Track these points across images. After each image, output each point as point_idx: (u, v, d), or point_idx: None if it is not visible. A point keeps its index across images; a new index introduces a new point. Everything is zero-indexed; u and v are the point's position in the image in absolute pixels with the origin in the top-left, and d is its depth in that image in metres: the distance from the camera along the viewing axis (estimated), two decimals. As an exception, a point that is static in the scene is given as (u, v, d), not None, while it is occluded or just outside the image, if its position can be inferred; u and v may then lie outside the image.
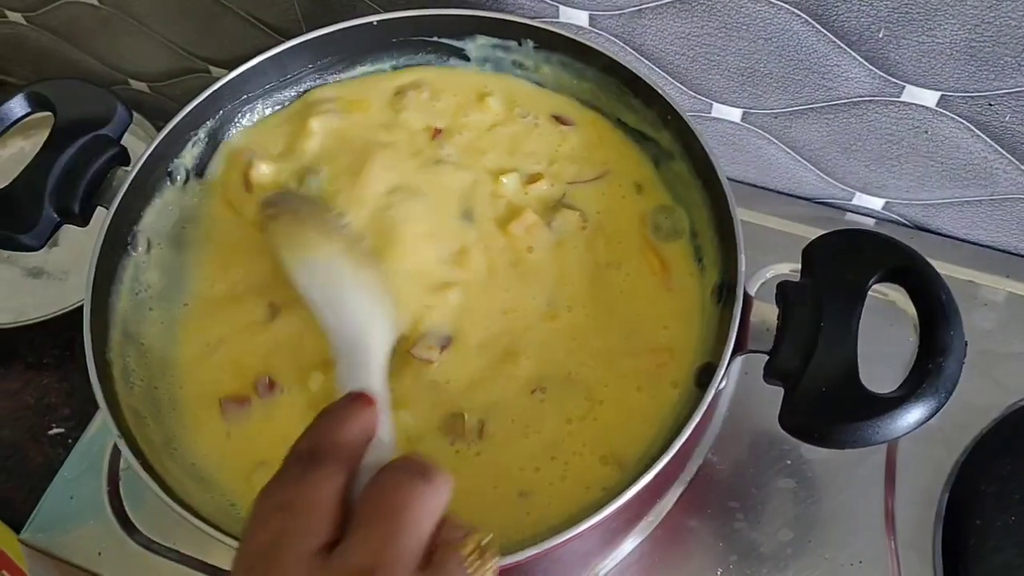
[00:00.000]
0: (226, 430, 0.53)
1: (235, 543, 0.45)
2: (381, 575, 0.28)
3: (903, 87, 0.59)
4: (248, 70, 0.60)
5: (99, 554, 0.60)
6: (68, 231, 0.86)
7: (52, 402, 0.81)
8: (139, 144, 0.76)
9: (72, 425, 0.79)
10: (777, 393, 0.49)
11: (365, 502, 0.31)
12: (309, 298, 0.46)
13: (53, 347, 0.83)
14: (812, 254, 0.51)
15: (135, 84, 0.94)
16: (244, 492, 0.51)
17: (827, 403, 0.46)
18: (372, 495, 0.31)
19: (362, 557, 0.29)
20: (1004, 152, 0.61)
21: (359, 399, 0.37)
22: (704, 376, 0.51)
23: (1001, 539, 0.57)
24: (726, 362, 0.48)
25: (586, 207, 0.59)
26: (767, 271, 0.68)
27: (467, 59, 0.64)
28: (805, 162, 0.69)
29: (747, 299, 0.50)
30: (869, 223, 0.71)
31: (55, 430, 0.79)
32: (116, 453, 0.64)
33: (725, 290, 0.53)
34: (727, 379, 0.63)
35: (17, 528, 0.62)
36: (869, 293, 0.49)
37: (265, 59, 0.60)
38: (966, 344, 0.47)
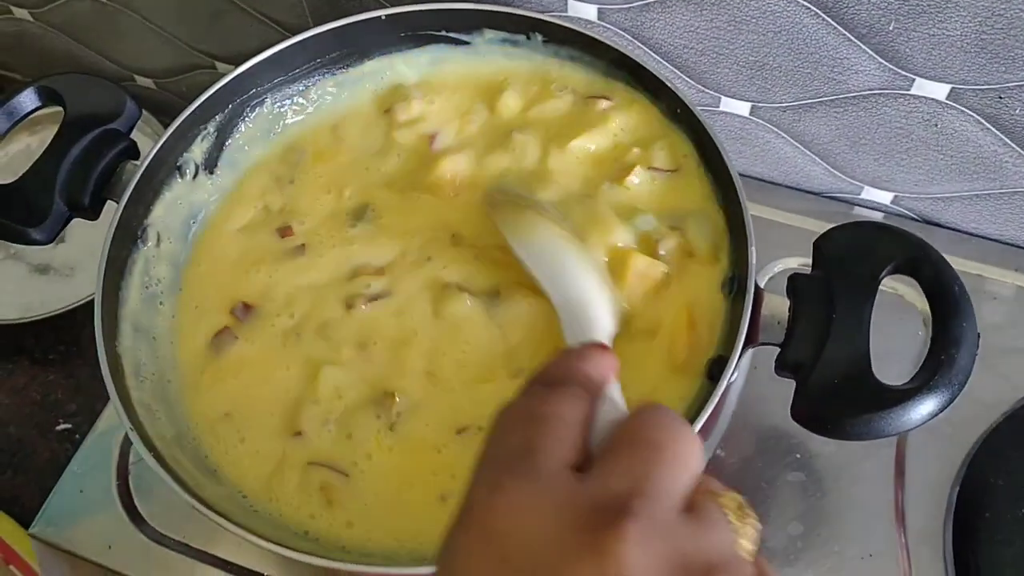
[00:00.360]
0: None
1: (247, 535, 0.45)
2: (640, 503, 0.26)
3: (913, 80, 0.59)
4: (257, 64, 0.60)
5: (109, 547, 0.60)
6: (74, 227, 0.86)
7: (58, 398, 0.81)
8: (146, 141, 0.77)
9: (79, 421, 0.79)
10: (786, 388, 0.48)
11: (624, 432, 0.29)
12: (534, 275, 0.49)
13: (59, 343, 0.83)
14: (823, 247, 0.51)
15: (141, 80, 0.94)
16: (255, 488, 0.51)
17: (840, 395, 0.46)
18: (639, 424, 0.29)
19: (622, 479, 0.26)
20: (1014, 145, 0.61)
21: (598, 345, 0.37)
22: (716, 368, 0.51)
23: (1011, 532, 0.57)
24: (738, 354, 0.48)
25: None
26: (775, 265, 0.68)
27: (477, 53, 0.64)
28: (814, 156, 0.69)
29: (758, 292, 0.50)
30: (877, 217, 0.71)
31: (62, 426, 0.80)
32: (125, 447, 0.64)
33: (736, 283, 0.53)
34: (737, 373, 0.64)
35: (26, 524, 0.62)
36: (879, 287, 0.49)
37: (274, 53, 0.60)
38: (979, 336, 0.47)
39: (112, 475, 0.62)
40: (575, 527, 0.25)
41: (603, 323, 0.44)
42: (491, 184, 0.58)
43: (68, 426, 0.79)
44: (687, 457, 0.28)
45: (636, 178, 0.57)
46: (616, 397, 0.35)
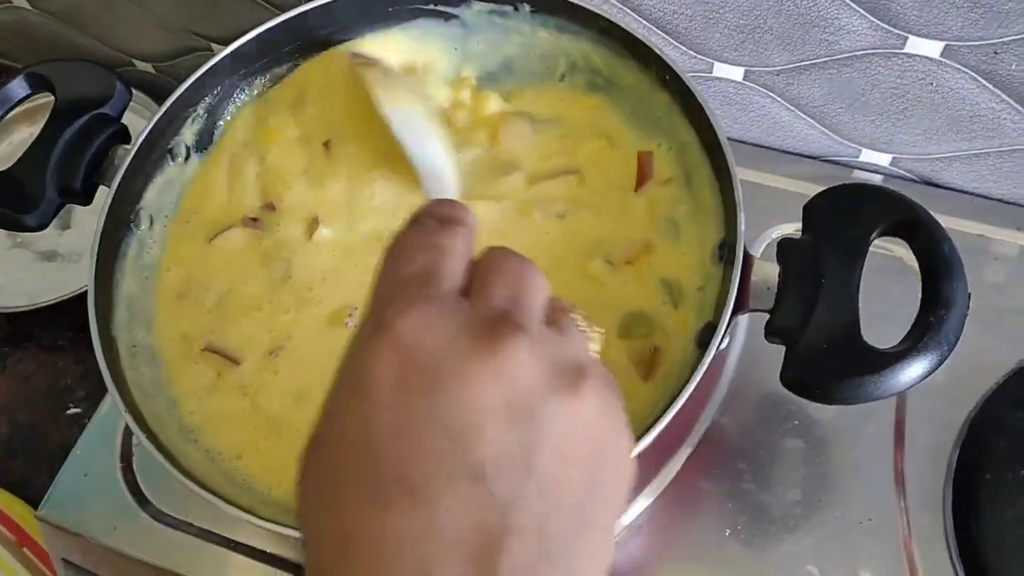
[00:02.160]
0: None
1: (245, 515, 0.46)
2: (522, 317, 0.30)
3: (906, 38, 0.58)
4: (243, 45, 0.60)
5: (114, 528, 0.61)
6: (79, 214, 0.87)
7: (68, 384, 0.82)
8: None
9: (88, 406, 0.80)
10: (783, 355, 0.48)
11: (491, 263, 0.33)
12: (401, 138, 0.55)
13: (67, 329, 0.84)
14: (813, 211, 0.50)
15: (140, 65, 0.94)
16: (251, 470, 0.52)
17: (828, 359, 0.46)
18: (497, 259, 0.33)
19: (501, 300, 0.31)
20: (1011, 102, 0.60)
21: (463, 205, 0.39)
22: (705, 335, 0.51)
23: (1011, 494, 0.56)
24: (726, 321, 0.48)
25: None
26: (773, 231, 0.67)
27: (466, 26, 0.64)
28: (810, 119, 0.68)
29: (748, 258, 0.50)
30: (877, 179, 0.70)
31: (72, 411, 0.81)
32: (129, 430, 0.64)
33: (726, 250, 0.52)
34: (732, 339, 0.63)
35: (37, 507, 0.63)
36: (876, 250, 0.49)
37: (260, 33, 0.60)
38: (970, 296, 0.46)
39: (116, 457, 0.63)
40: (473, 337, 0.29)
41: (455, 190, 0.55)
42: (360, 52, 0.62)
43: (77, 411, 0.81)
44: (541, 280, 0.33)
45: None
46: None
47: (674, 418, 0.46)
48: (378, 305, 0.31)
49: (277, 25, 0.61)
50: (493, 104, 0.62)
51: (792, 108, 0.68)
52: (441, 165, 0.55)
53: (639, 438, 0.46)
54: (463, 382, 0.28)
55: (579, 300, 0.52)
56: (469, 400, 0.28)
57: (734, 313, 0.48)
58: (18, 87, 0.60)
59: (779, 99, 0.67)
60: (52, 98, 0.59)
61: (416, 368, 0.29)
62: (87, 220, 0.86)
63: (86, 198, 0.58)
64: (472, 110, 0.62)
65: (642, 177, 0.59)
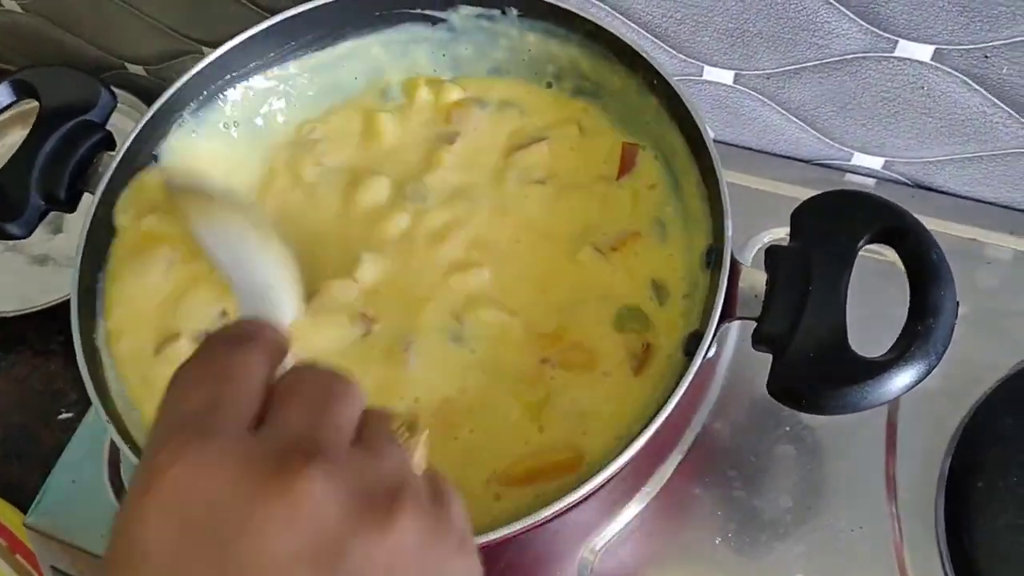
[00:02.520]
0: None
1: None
2: (319, 443, 0.26)
3: (896, 42, 0.58)
4: (230, 50, 0.60)
5: (102, 536, 0.61)
6: (71, 218, 0.87)
7: (60, 388, 0.82)
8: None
9: (80, 410, 0.80)
10: (767, 359, 0.48)
11: (290, 384, 0.29)
12: (216, 260, 0.48)
13: (59, 333, 0.84)
14: (801, 217, 0.50)
15: (132, 68, 0.94)
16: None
17: (815, 368, 0.45)
18: (297, 377, 0.30)
19: (297, 425, 0.27)
20: (1003, 105, 0.59)
21: (271, 323, 0.35)
22: (692, 343, 0.50)
23: (1004, 501, 0.56)
24: (713, 329, 0.48)
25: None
26: (765, 236, 0.66)
27: (453, 30, 0.63)
28: (801, 123, 0.67)
29: (735, 265, 0.49)
30: (869, 183, 0.70)
31: (64, 415, 0.80)
32: (116, 438, 0.64)
33: (714, 256, 0.52)
34: (723, 345, 0.63)
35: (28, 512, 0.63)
36: (867, 253, 0.48)
37: (246, 39, 0.60)
38: (958, 304, 0.46)
39: (104, 464, 0.63)
40: (258, 478, 0.25)
41: (286, 307, 0.46)
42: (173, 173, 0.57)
43: (70, 415, 0.80)
44: (350, 395, 0.29)
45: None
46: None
47: (664, 423, 0.46)
48: (147, 454, 0.27)
49: (266, 29, 0.60)
50: (455, 95, 0.63)
51: (783, 111, 0.67)
52: (262, 283, 0.47)
53: (631, 442, 0.45)
54: (253, 533, 0.24)
55: (569, 287, 0.54)
56: (263, 553, 0.24)
57: (721, 321, 0.48)
58: (2, 94, 0.59)
59: (770, 102, 0.67)
60: (34, 100, 0.59)
61: (194, 525, 0.24)
62: (79, 224, 0.86)
63: (71, 205, 0.58)
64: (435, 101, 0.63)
65: (625, 166, 0.58)
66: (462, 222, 0.57)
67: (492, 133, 0.61)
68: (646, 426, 0.46)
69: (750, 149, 0.72)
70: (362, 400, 0.30)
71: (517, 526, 0.44)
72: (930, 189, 0.69)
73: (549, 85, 0.62)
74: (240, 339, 0.30)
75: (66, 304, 0.78)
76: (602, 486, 0.46)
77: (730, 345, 0.63)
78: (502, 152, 0.60)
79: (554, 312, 0.54)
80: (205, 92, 0.61)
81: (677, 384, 0.47)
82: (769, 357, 0.48)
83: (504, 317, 0.54)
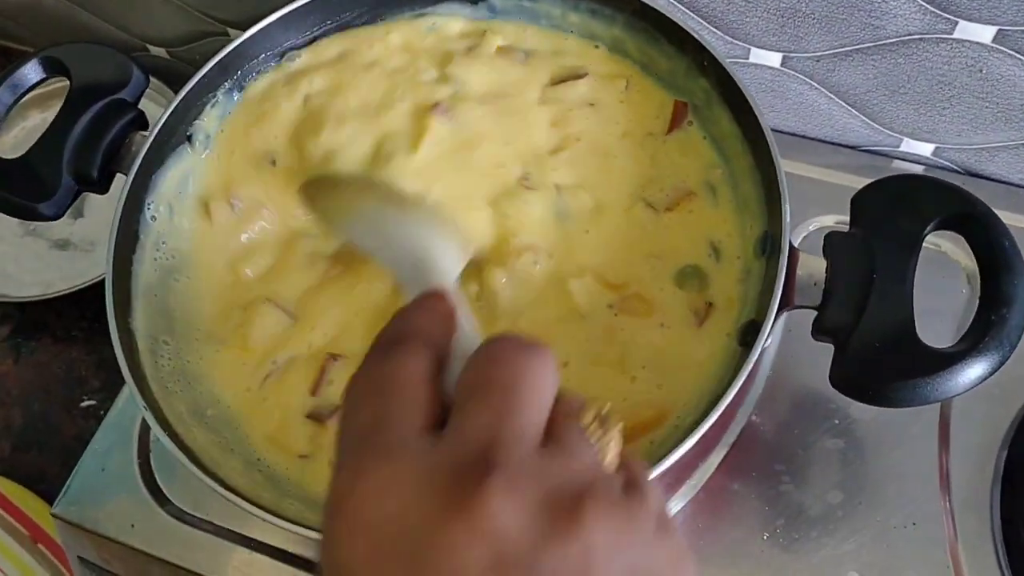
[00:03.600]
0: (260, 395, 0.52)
1: (264, 514, 0.44)
2: (499, 452, 0.25)
3: (956, 23, 0.56)
4: (262, 30, 0.58)
5: (132, 526, 0.59)
6: (92, 201, 0.85)
7: (82, 375, 0.80)
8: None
9: (103, 397, 0.79)
10: (824, 351, 0.46)
11: (470, 378, 0.28)
12: (365, 249, 0.46)
13: (81, 319, 0.83)
14: (862, 202, 0.48)
15: (154, 50, 0.92)
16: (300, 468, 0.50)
17: (882, 359, 0.44)
18: (478, 369, 0.28)
19: (477, 432, 0.26)
20: (1065, 90, 0.57)
21: (431, 294, 0.34)
22: (748, 334, 0.48)
23: (1063, 498, 0.54)
24: (772, 318, 0.46)
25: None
26: (810, 224, 0.65)
27: (493, 10, 0.61)
28: (849, 108, 0.66)
29: (792, 252, 0.48)
30: (918, 170, 0.68)
31: (86, 402, 0.79)
32: (146, 424, 0.62)
33: (769, 243, 0.50)
34: (771, 337, 0.61)
35: (52, 501, 0.62)
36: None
37: (280, 16, 0.58)
38: (1032, 293, 0.44)
39: (134, 453, 0.62)
40: (439, 494, 0.25)
41: (445, 262, 0.40)
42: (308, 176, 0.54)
43: (92, 402, 0.79)
44: (539, 390, 0.28)
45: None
46: (468, 328, 0.34)
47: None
48: (334, 473, 0.27)
49: (299, 8, 0.59)
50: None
51: (831, 96, 0.65)
52: (412, 251, 0.42)
53: (682, 441, 0.44)
54: (441, 549, 0.24)
55: (626, 245, 0.53)
56: (453, 570, 0.24)
57: (779, 310, 0.46)
58: (32, 71, 0.58)
59: (818, 86, 0.65)
60: (64, 83, 0.57)
61: (384, 546, 0.24)
62: (101, 208, 0.84)
63: (103, 186, 0.56)
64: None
65: (676, 121, 0.57)
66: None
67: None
68: (703, 417, 0.44)
69: (794, 135, 0.70)
70: (555, 381, 0.28)
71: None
72: (981, 176, 0.67)
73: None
74: (396, 340, 0.29)
75: (87, 289, 0.79)
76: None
77: (775, 337, 0.62)
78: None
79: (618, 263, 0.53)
80: (240, 71, 0.59)
81: (735, 376, 0.45)
82: (817, 349, 0.47)
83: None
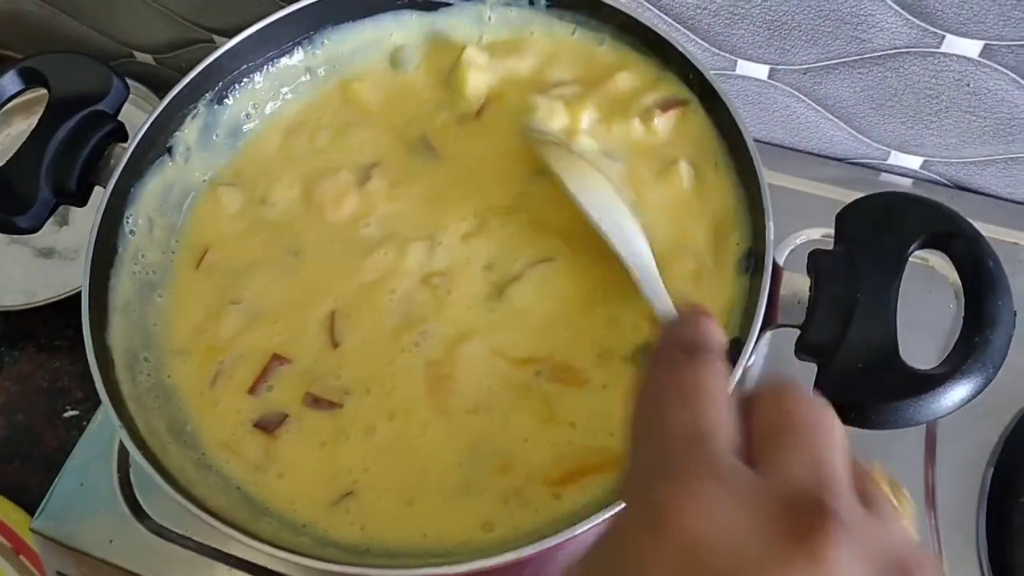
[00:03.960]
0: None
1: (238, 534, 0.43)
2: (832, 498, 0.24)
3: (943, 37, 0.55)
4: (245, 40, 0.57)
5: (111, 542, 0.59)
6: (77, 210, 0.85)
7: (65, 385, 0.80)
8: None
9: (87, 408, 0.78)
10: (809, 369, 0.46)
11: (772, 416, 0.27)
12: (601, 227, 0.49)
13: (66, 328, 0.82)
14: (847, 220, 0.48)
15: (140, 57, 0.91)
16: (253, 480, 0.49)
17: (865, 380, 0.43)
18: (779, 408, 0.27)
19: (804, 473, 0.25)
20: (1052, 105, 0.57)
21: (704, 311, 0.32)
22: (731, 352, 0.48)
23: (1050, 517, 0.54)
24: (755, 338, 0.45)
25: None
26: (797, 237, 0.65)
27: (480, 20, 0.61)
28: (837, 120, 0.65)
29: (776, 269, 0.47)
30: (906, 183, 0.68)
31: (69, 412, 0.78)
32: (126, 439, 0.62)
33: (752, 259, 0.50)
34: (755, 356, 0.61)
35: (34, 512, 0.61)
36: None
37: (262, 27, 0.57)
38: (1015, 315, 0.44)
39: (113, 467, 0.61)
40: (776, 531, 0.23)
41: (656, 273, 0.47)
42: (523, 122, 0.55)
43: (76, 413, 0.78)
44: (838, 440, 0.26)
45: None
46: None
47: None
48: (642, 478, 0.26)
49: (285, 16, 0.58)
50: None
51: (819, 108, 0.65)
52: (644, 255, 0.48)
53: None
54: None
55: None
56: None
57: (763, 329, 0.46)
58: (10, 82, 0.57)
59: (805, 99, 0.64)
60: (43, 89, 0.56)
61: (710, 564, 0.23)
62: (86, 217, 0.82)
63: (81, 199, 0.55)
64: None
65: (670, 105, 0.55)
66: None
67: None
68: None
69: (782, 146, 0.70)
70: (847, 447, 0.27)
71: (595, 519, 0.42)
72: (969, 190, 0.66)
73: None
74: (698, 347, 0.28)
75: (72, 299, 0.78)
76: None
77: (759, 355, 0.61)
78: None
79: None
80: (221, 83, 0.58)
81: (717, 394, 0.45)
82: (801, 368, 0.46)
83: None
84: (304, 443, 0.49)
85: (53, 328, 0.82)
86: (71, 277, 0.81)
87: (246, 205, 0.58)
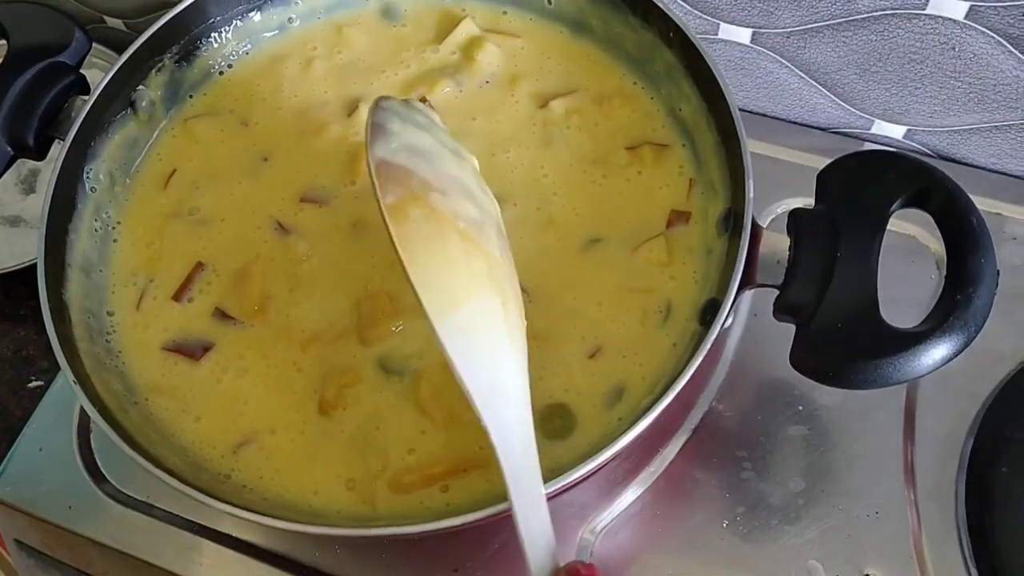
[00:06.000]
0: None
1: (196, 493, 0.42)
2: None
3: (929, -2, 0.54)
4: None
5: (69, 508, 0.57)
6: (45, 177, 0.82)
7: (30, 354, 0.78)
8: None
9: (51, 378, 0.75)
10: (788, 336, 0.45)
11: None
12: (458, 370, 0.37)
13: (30, 298, 0.79)
14: (828, 179, 0.47)
15: (111, 22, 0.89)
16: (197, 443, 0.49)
17: (844, 339, 0.42)
18: None
19: None
20: (1038, 70, 0.56)
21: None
22: (708, 312, 0.47)
23: (1029, 487, 0.53)
24: (732, 296, 0.44)
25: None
26: (778, 206, 0.63)
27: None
28: (820, 87, 0.64)
29: (756, 228, 0.46)
30: (889, 153, 0.67)
31: (34, 383, 0.76)
32: (86, 403, 0.60)
33: (732, 219, 0.48)
34: (734, 320, 0.60)
35: (-5, 483, 0.59)
36: (888, 227, 0.45)
37: (233, -22, 0.56)
38: (998, 273, 0.43)
39: (73, 433, 0.59)
40: None
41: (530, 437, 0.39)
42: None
43: (40, 383, 0.76)
44: None
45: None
46: None
47: (670, 403, 0.42)
48: None
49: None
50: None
51: (802, 74, 0.63)
52: (527, 425, 0.39)
53: (638, 419, 0.42)
54: None
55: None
56: None
57: (741, 288, 0.45)
58: (-33, 33, 0.55)
59: (788, 64, 0.63)
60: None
61: None
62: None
63: (39, 152, 0.54)
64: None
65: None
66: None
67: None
68: (661, 395, 0.42)
69: (764, 115, 0.68)
70: None
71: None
72: (953, 160, 0.65)
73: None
74: None
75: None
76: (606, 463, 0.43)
77: (740, 321, 0.60)
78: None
79: None
80: (187, 37, 0.57)
81: (694, 354, 0.43)
82: (782, 334, 0.45)
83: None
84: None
85: (17, 297, 0.80)
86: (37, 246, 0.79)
87: (223, 129, 0.57)
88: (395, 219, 0.37)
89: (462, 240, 0.38)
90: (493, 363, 0.38)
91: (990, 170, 0.65)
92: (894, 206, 0.45)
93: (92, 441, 0.59)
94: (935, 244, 0.61)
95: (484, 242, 0.39)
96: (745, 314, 0.60)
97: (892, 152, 0.46)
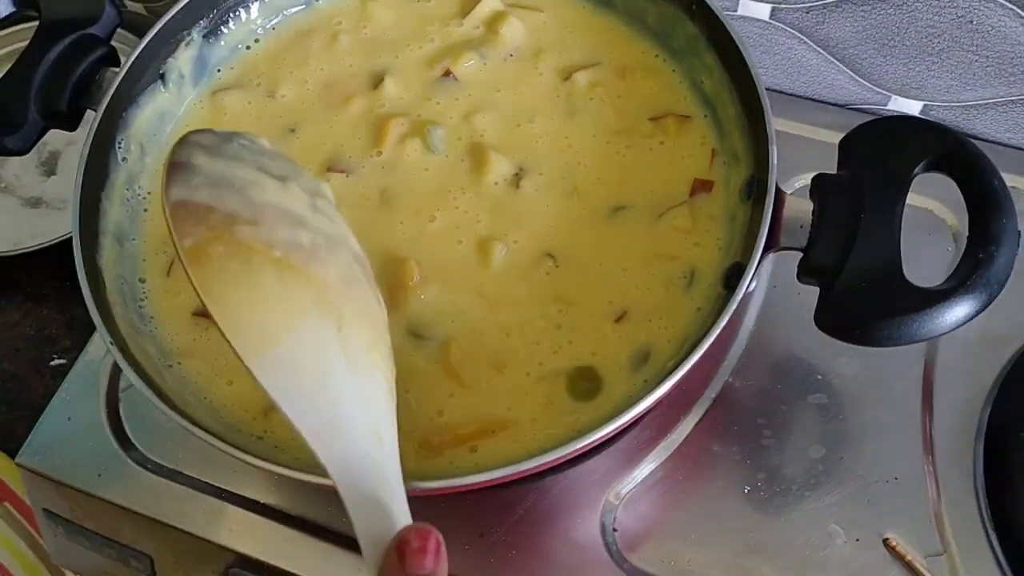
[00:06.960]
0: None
1: (235, 451, 0.43)
2: None
3: (947, -30, 0.55)
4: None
5: (99, 476, 0.58)
6: (65, 159, 0.83)
7: (53, 333, 0.78)
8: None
9: (74, 356, 0.76)
10: (807, 307, 0.45)
11: None
12: (284, 412, 0.35)
13: (52, 278, 0.80)
14: (850, 144, 0.47)
15: (132, 6, 0.90)
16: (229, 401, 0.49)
17: (868, 298, 0.43)
18: None
19: None
20: (1056, 43, 0.57)
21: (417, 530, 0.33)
22: (733, 276, 0.48)
23: (1047, 454, 0.53)
24: (757, 259, 0.45)
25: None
26: (796, 181, 0.64)
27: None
28: (838, 63, 0.65)
29: (779, 194, 0.47)
30: (906, 129, 0.67)
31: (57, 361, 0.77)
32: (115, 373, 0.61)
33: (755, 185, 0.49)
34: (756, 285, 0.60)
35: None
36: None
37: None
38: (1020, 234, 0.43)
39: (102, 402, 0.60)
40: None
41: (393, 471, 0.37)
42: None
43: (63, 361, 0.77)
44: None
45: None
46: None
47: (689, 370, 0.43)
48: None
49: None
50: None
51: (820, 51, 0.64)
52: (370, 455, 0.37)
53: (661, 382, 0.43)
54: None
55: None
56: None
57: (765, 251, 0.46)
58: (1, 5, 0.56)
59: (807, 40, 0.64)
60: (34, 13, 0.55)
61: None
62: (74, 166, 0.82)
63: (71, 122, 0.54)
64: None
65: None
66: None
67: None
68: (688, 354, 0.43)
69: (782, 92, 0.69)
70: None
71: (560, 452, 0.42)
72: (970, 135, 0.66)
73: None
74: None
75: (59, 247, 0.77)
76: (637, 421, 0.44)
77: (760, 291, 0.61)
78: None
79: None
80: (216, 10, 0.58)
81: (718, 318, 0.44)
82: (800, 304, 0.46)
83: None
84: None
85: (40, 277, 0.80)
86: (58, 226, 0.79)
87: (250, 101, 0.58)
88: (193, 262, 0.35)
89: (277, 270, 0.36)
90: (325, 394, 0.36)
91: (1006, 145, 0.66)
92: (917, 170, 0.45)
93: (121, 409, 0.60)
94: (951, 217, 0.61)
95: (313, 266, 0.37)
96: (764, 286, 0.61)
97: (914, 117, 0.47)
